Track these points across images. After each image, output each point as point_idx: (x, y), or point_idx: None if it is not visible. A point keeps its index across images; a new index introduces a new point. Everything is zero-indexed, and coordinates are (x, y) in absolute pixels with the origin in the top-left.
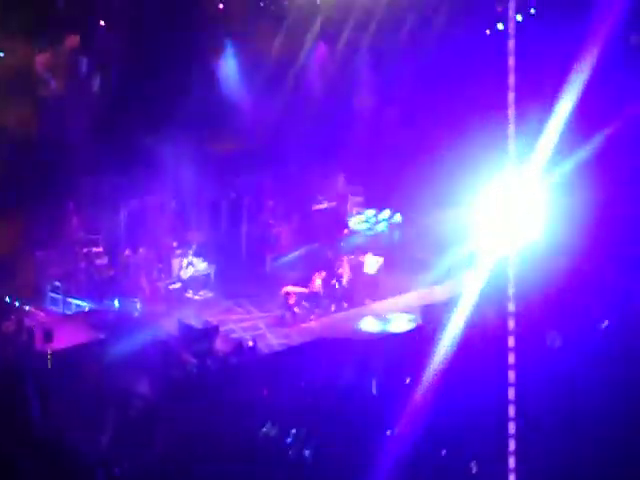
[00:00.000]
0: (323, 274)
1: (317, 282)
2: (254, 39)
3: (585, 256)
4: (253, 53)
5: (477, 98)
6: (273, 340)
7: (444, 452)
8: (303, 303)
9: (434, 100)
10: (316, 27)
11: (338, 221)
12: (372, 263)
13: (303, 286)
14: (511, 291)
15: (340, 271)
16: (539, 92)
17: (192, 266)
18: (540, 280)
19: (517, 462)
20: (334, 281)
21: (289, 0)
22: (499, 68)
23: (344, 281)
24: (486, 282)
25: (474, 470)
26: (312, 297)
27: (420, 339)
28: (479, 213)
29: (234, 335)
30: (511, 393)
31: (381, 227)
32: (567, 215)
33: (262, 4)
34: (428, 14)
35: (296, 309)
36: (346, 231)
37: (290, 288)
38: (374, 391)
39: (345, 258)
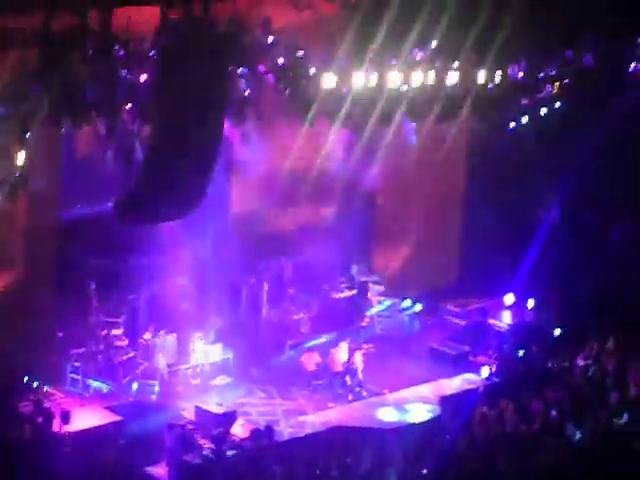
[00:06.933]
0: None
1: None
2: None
3: None
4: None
5: None
6: (289, 428)
7: None
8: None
9: None
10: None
11: (358, 310)
12: (344, 355)
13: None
14: None
15: (351, 360)
16: None
17: (211, 350)
18: None
19: None
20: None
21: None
22: None
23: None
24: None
25: None
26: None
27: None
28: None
29: (250, 419)
30: None
31: (401, 316)
32: None
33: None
34: None
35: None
36: (366, 320)
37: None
38: None
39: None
